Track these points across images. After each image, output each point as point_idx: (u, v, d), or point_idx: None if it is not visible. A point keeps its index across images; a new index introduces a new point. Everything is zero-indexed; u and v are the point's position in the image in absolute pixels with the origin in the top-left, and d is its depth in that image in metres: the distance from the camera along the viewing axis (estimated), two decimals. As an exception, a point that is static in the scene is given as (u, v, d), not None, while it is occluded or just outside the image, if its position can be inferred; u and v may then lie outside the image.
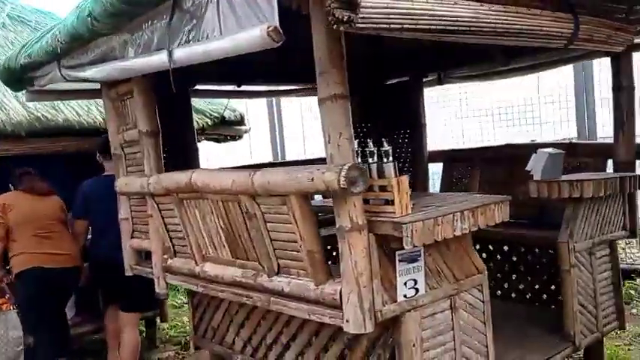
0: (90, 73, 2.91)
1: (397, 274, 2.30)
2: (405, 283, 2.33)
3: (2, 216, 3.99)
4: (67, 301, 4.41)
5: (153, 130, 3.44)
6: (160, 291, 3.49)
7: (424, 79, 5.22)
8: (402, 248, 2.24)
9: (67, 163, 4.67)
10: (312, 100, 8.53)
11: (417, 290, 2.38)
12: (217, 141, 6.07)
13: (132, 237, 3.80)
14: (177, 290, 6.77)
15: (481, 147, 5.22)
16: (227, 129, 5.51)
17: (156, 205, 3.23)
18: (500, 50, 4.65)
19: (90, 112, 4.50)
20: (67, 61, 3.21)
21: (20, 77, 3.76)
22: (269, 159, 7.85)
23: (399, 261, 2.30)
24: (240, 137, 5.95)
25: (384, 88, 5.36)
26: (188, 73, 4.06)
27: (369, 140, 2.38)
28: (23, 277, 4.03)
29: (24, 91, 4.14)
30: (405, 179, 2.23)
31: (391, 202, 2.21)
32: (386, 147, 2.27)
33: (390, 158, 2.27)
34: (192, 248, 3.06)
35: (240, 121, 5.63)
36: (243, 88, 5.06)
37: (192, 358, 5.19)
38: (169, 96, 3.46)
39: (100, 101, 4.67)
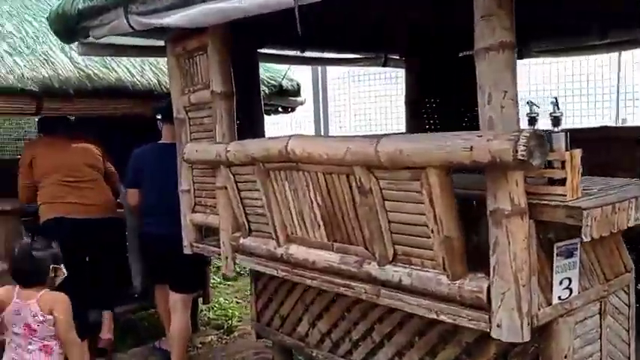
0: (171, 19, 2.48)
1: (554, 271, 1.88)
2: (561, 282, 1.91)
3: (27, 174, 3.78)
4: (104, 255, 4.08)
5: (227, 91, 3.03)
6: (228, 273, 3.10)
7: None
8: (561, 239, 1.82)
9: (116, 127, 4.29)
10: (360, 71, 8.02)
11: (570, 291, 1.96)
12: (267, 113, 5.64)
13: (193, 211, 3.41)
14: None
15: (575, 128, 4.74)
16: (283, 100, 5.07)
17: (232, 176, 2.82)
18: (597, 21, 4.18)
19: (144, 72, 4.09)
20: (137, 7, 2.78)
21: (74, 26, 3.34)
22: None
23: (557, 255, 1.88)
24: (293, 110, 5.51)
25: (457, 60, 4.89)
26: (255, 33, 3.70)
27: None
28: (46, 227, 3.73)
29: (75, 44, 3.75)
30: (577, 153, 1.79)
31: (559, 182, 1.78)
32: (557, 112, 1.84)
33: (561, 127, 1.83)
34: (276, 227, 2.65)
35: (297, 92, 5.19)
36: (307, 54, 4.62)
37: (236, 344, 4.85)
38: (234, 57, 3.07)
39: (155, 61, 4.27)
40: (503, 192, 1.72)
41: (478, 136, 1.69)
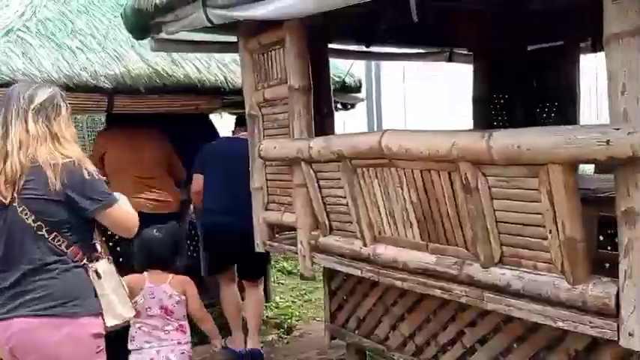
0: (257, 11, 2.41)
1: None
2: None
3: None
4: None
5: (305, 86, 2.95)
6: (305, 272, 3.02)
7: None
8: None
9: (180, 124, 4.28)
10: (416, 67, 7.79)
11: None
12: (325, 109, 5.55)
13: (266, 209, 3.35)
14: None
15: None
16: (344, 96, 4.97)
17: (313, 174, 2.74)
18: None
19: (210, 68, 4.06)
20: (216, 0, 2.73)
21: (148, 22, 3.32)
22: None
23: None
24: (353, 107, 5.41)
25: (527, 54, 4.70)
26: (325, 27, 3.62)
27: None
28: None
29: (146, 41, 3.74)
30: None
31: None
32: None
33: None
34: (362, 226, 2.56)
35: (358, 88, 5.08)
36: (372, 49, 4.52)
37: (297, 343, 4.79)
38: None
39: (220, 57, 4.24)
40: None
41: (615, 129, 1.55)
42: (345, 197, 2.62)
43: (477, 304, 2.14)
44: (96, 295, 2.15)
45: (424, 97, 7.87)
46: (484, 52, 4.52)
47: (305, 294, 6.24)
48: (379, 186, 2.41)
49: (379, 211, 2.47)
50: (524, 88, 4.59)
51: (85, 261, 2.15)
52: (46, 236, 2.07)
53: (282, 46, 3.00)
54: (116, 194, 2.25)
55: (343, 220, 2.70)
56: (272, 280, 6.50)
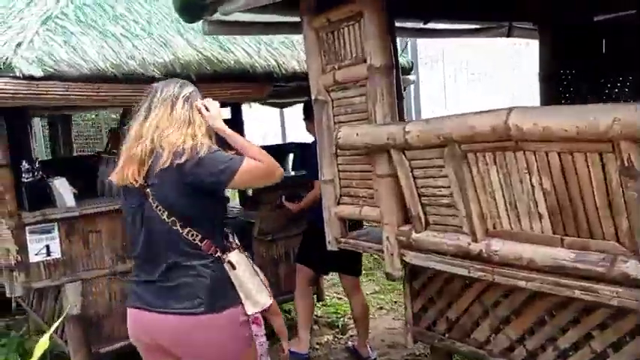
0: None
1: None
2: None
3: None
4: None
5: (388, 64, 2.64)
6: (393, 272, 2.72)
7: None
8: None
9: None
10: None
11: None
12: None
13: (339, 203, 3.04)
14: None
15: None
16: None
17: (407, 162, 2.43)
18: None
19: (260, 52, 3.75)
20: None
21: (202, 2, 3.02)
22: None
23: None
24: (404, 89, 5.10)
25: (594, 25, 4.36)
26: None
27: None
28: None
29: (193, 25, 3.44)
30: None
31: None
32: None
33: None
34: (472, 219, 2.25)
35: (410, 70, 4.76)
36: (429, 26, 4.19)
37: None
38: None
39: (269, 40, 3.93)
40: None
41: None
42: (448, 187, 2.31)
43: (634, 307, 1.83)
44: (234, 286, 2.14)
45: (464, 81, 7.55)
46: (548, 26, 4.17)
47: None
48: (497, 173, 2.10)
49: (495, 202, 2.16)
50: (592, 62, 4.25)
51: (218, 253, 2.12)
52: (180, 231, 2.06)
53: (358, 21, 2.68)
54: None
55: (445, 213, 2.40)
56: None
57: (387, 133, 2.44)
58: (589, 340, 2.22)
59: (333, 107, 2.97)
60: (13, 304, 5.22)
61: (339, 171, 3.00)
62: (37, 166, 3.40)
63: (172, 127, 2.05)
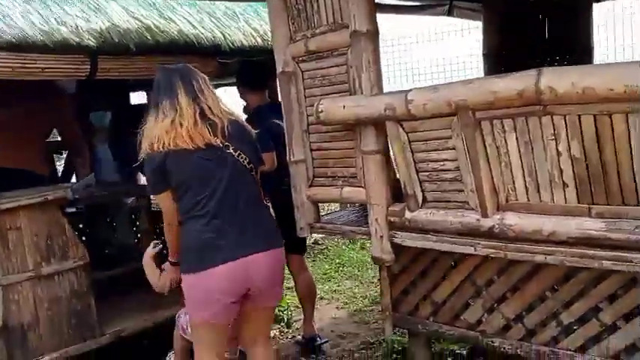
0: None
1: None
2: None
3: None
4: None
5: (373, 29, 2.43)
6: (383, 256, 2.52)
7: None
8: None
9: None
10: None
11: None
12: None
13: (312, 185, 2.80)
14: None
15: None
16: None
17: (405, 135, 2.24)
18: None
19: (203, 23, 3.37)
20: None
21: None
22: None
23: None
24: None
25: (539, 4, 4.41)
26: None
27: None
28: None
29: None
30: None
31: None
32: None
33: None
34: (483, 193, 2.10)
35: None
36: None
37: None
38: None
39: (211, 10, 3.57)
40: None
41: None
42: (453, 160, 2.16)
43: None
44: None
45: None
46: (494, 3, 4.18)
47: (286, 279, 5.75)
48: (517, 141, 1.97)
49: (511, 173, 2.03)
50: (535, 40, 4.31)
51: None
52: (254, 177, 2.40)
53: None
54: None
55: (447, 188, 2.24)
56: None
57: (384, 104, 2.23)
58: (597, 313, 2.17)
59: (303, 79, 2.72)
60: None
61: (311, 150, 2.76)
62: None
63: (219, 105, 2.37)
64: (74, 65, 2.81)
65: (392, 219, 2.44)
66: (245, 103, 3.67)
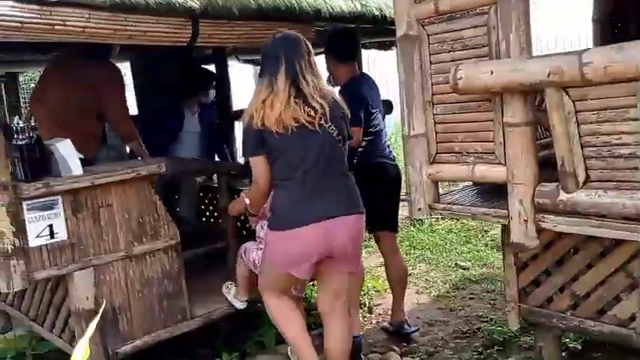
0: None
1: None
2: None
3: None
4: None
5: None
6: (527, 242, 2.24)
7: None
8: None
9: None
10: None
11: None
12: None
13: (434, 162, 2.53)
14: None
15: None
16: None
17: (571, 103, 1.94)
18: None
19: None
20: None
21: None
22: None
23: None
24: (390, 46, 4.65)
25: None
26: None
27: None
28: None
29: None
30: None
31: None
32: None
33: None
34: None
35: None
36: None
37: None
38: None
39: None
40: None
41: None
42: (633, 134, 1.85)
43: None
44: None
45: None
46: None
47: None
48: None
49: None
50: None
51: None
52: (342, 149, 2.55)
53: None
54: None
55: (621, 166, 1.94)
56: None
57: (549, 68, 1.93)
58: None
59: (429, 44, 2.43)
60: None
61: (435, 123, 2.48)
62: (32, 124, 2.64)
63: (321, 82, 2.50)
64: (176, 29, 2.58)
65: (540, 200, 2.16)
66: (329, 74, 3.49)
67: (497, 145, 2.25)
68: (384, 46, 4.69)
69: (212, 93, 4.72)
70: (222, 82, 5.07)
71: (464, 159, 2.40)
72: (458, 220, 5.99)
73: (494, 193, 2.67)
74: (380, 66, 8.63)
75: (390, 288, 3.86)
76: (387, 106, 4.08)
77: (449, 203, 2.54)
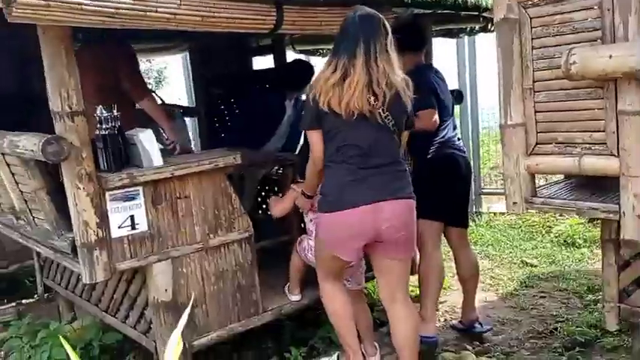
0: None
1: None
2: None
3: None
4: None
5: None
6: (643, 240, 2.10)
7: None
8: None
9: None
10: None
11: None
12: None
13: (532, 154, 2.39)
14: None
15: None
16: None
17: None
18: None
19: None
20: None
21: None
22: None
23: None
24: (477, 32, 4.45)
25: None
26: None
27: None
28: None
29: None
30: None
31: None
32: None
33: None
34: None
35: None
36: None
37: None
38: None
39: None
40: None
41: None
42: None
43: None
44: None
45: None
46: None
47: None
48: None
49: None
50: None
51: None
52: (396, 139, 2.61)
53: None
54: None
55: None
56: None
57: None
58: None
59: (531, 28, 2.29)
60: (40, 288, 4.39)
61: (535, 112, 2.34)
62: (114, 114, 2.60)
63: (392, 67, 2.48)
64: (261, 16, 2.50)
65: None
66: None
67: (610, 134, 2.11)
68: (451, 34, 4.54)
69: None
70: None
71: (569, 150, 2.26)
72: (518, 215, 5.82)
73: (590, 186, 2.53)
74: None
75: (461, 285, 3.74)
76: (458, 96, 3.94)
77: (549, 198, 2.40)
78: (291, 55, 5.46)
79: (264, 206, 4.73)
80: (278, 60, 5.00)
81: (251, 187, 4.64)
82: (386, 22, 2.49)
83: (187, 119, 5.71)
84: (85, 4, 1.97)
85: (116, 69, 3.40)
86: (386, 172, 2.54)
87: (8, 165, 2.82)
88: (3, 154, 2.77)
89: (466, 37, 5.67)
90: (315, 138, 2.57)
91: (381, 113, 2.47)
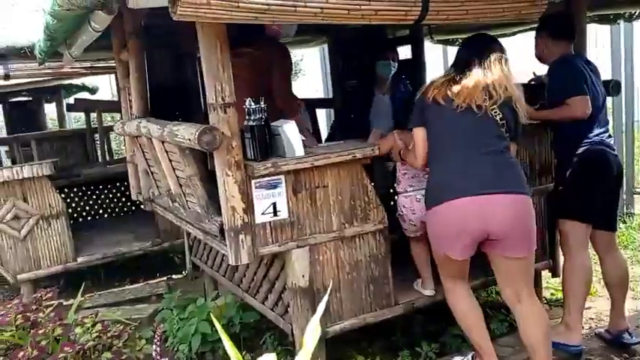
0: None
1: None
2: None
3: None
4: None
5: None
6: None
7: None
8: None
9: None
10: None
11: None
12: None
13: None
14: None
15: None
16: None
17: None
18: None
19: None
20: None
21: None
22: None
23: None
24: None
25: None
26: None
27: None
28: None
29: None
30: None
31: None
32: None
33: None
34: None
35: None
36: None
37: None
38: None
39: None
40: None
41: None
42: None
43: None
44: None
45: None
46: None
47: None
48: None
49: None
50: None
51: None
52: (505, 135, 2.60)
53: None
54: None
55: None
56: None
57: None
58: None
59: None
60: (188, 265, 4.77)
61: None
62: (262, 106, 2.73)
63: (506, 81, 2.57)
64: (407, 7, 2.48)
65: None
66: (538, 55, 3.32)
67: None
68: (607, 20, 4.19)
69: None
70: (417, 62, 4.99)
71: None
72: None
73: None
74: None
75: (609, 292, 3.48)
76: (615, 86, 3.64)
77: None
78: (428, 46, 5.37)
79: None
80: (415, 50, 4.94)
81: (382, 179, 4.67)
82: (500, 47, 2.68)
83: (323, 110, 5.84)
84: (242, 2, 2.09)
85: (270, 69, 3.51)
86: (492, 166, 2.54)
87: (167, 152, 3.08)
88: (163, 142, 3.03)
89: (622, 24, 5.19)
90: (418, 134, 2.71)
91: (489, 109, 2.54)
